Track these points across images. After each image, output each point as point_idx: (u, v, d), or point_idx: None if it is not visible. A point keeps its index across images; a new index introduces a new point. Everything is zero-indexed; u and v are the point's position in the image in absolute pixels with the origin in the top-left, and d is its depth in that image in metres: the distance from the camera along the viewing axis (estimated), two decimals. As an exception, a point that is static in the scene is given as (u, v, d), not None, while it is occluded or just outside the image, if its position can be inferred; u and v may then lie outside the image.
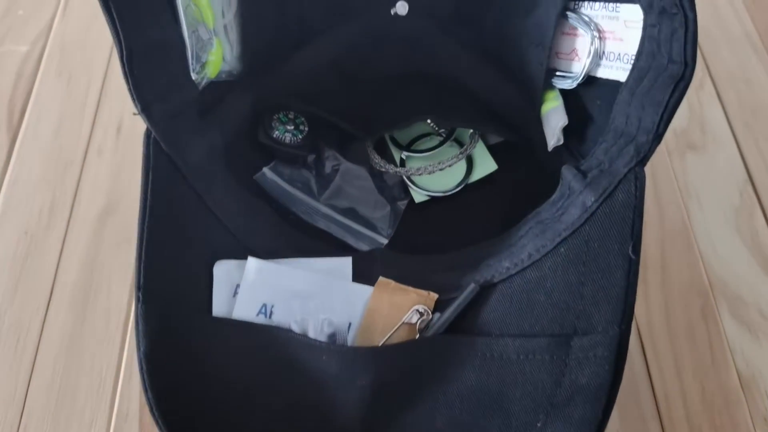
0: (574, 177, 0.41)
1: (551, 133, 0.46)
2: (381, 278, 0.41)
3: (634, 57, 0.41)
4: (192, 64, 0.43)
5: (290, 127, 0.49)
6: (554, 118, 0.46)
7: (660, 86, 0.37)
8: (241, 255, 0.41)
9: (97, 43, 0.61)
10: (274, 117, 0.49)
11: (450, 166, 0.50)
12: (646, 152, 0.38)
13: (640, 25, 0.40)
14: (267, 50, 0.49)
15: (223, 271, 0.39)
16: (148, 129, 0.38)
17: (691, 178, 0.56)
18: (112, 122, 0.57)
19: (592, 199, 0.39)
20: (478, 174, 0.51)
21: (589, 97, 0.46)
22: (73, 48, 0.61)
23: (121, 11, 0.36)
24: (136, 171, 0.38)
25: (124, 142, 0.56)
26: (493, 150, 0.52)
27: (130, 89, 0.37)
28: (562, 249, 0.40)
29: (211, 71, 0.45)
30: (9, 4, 0.64)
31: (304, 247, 0.45)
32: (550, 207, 0.42)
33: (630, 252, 0.37)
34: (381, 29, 0.52)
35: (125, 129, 0.55)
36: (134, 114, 0.37)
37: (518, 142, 0.50)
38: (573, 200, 0.40)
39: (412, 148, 0.52)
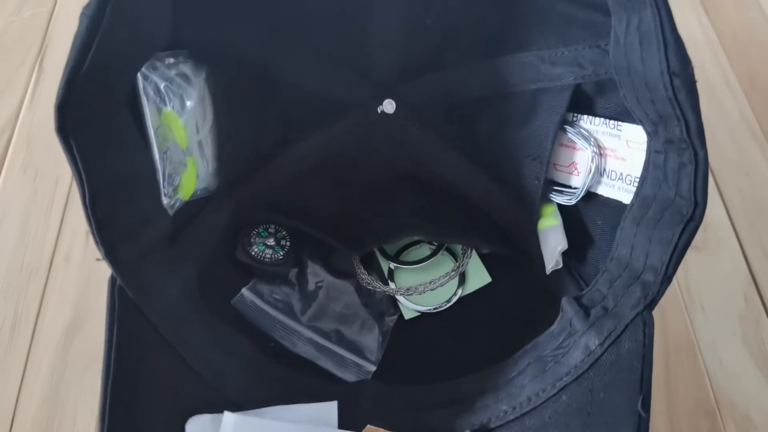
0: (576, 314, 0.38)
1: (550, 256, 0.43)
2: (369, 426, 0.38)
3: (637, 179, 0.39)
4: (163, 188, 0.40)
5: (271, 242, 0.46)
6: (553, 239, 0.44)
7: (667, 222, 0.35)
8: (217, 404, 0.37)
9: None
10: (254, 232, 0.46)
11: (442, 285, 0.47)
12: (655, 295, 0.35)
13: (644, 147, 0.37)
14: (246, 159, 0.46)
15: (196, 427, 0.36)
16: (112, 276, 0.35)
17: (694, 281, 0.53)
18: (80, 224, 0.53)
19: (596, 343, 0.36)
20: (470, 287, 0.48)
21: (589, 216, 0.44)
22: (41, 140, 0.58)
23: (85, 147, 0.33)
24: (104, 280, 0.35)
25: (92, 247, 0.52)
26: (486, 259, 0.49)
27: (93, 233, 0.34)
28: (564, 396, 0.37)
29: (185, 194, 0.41)
30: (-27, 91, 0.60)
31: (286, 383, 0.41)
32: (549, 341, 0.39)
33: (639, 408, 0.34)
34: (367, 128, 0.50)
35: (95, 231, 0.52)
36: (98, 260, 0.34)
37: (514, 255, 0.47)
38: (575, 341, 0.37)
39: (401, 258, 0.49)
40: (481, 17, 0.45)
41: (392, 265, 0.48)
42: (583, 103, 0.43)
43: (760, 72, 0.65)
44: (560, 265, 0.43)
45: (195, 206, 0.43)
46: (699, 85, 0.31)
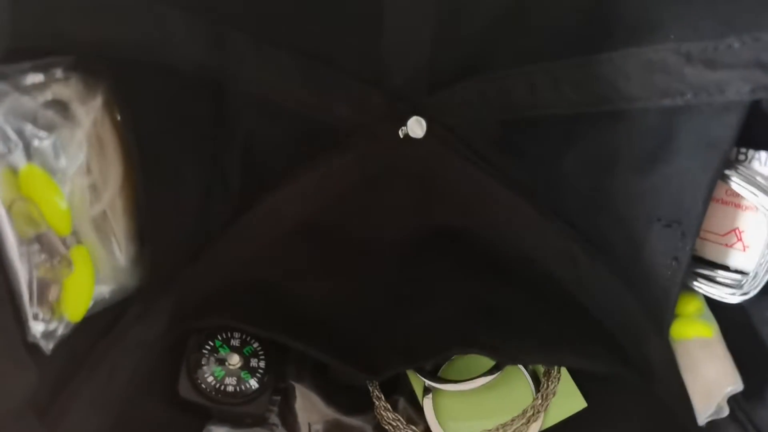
0: None
1: (703, 395, 0.26)
2: None
3: None
4: (30, 309, 0.22)
5: (235, 363, 0.29)
6: (710, 367, 0.26)
7: None
8: None
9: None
10: (206, 348, 0.28)
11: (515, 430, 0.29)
12: None
13: None
14: (187, 231, 0.29)
15: None
16: None
17: None
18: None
19: None
20: (556, 415, 0.31)
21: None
22: None
23: None
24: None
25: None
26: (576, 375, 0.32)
27: None
28: None
29: (73, 311, 0.24)
30: None
31: None
32: None
33: None
34: (382, 161, 0.33)
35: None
36: None
37: (625, 376, 0.29)
38: None
39: (442, 373, 0.31)
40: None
41: (428, 383, 0.31)
42: (757, 133, 0.25)
43: None
44: (725, 414, 0.25)
45: (99, 322, 0.26)
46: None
